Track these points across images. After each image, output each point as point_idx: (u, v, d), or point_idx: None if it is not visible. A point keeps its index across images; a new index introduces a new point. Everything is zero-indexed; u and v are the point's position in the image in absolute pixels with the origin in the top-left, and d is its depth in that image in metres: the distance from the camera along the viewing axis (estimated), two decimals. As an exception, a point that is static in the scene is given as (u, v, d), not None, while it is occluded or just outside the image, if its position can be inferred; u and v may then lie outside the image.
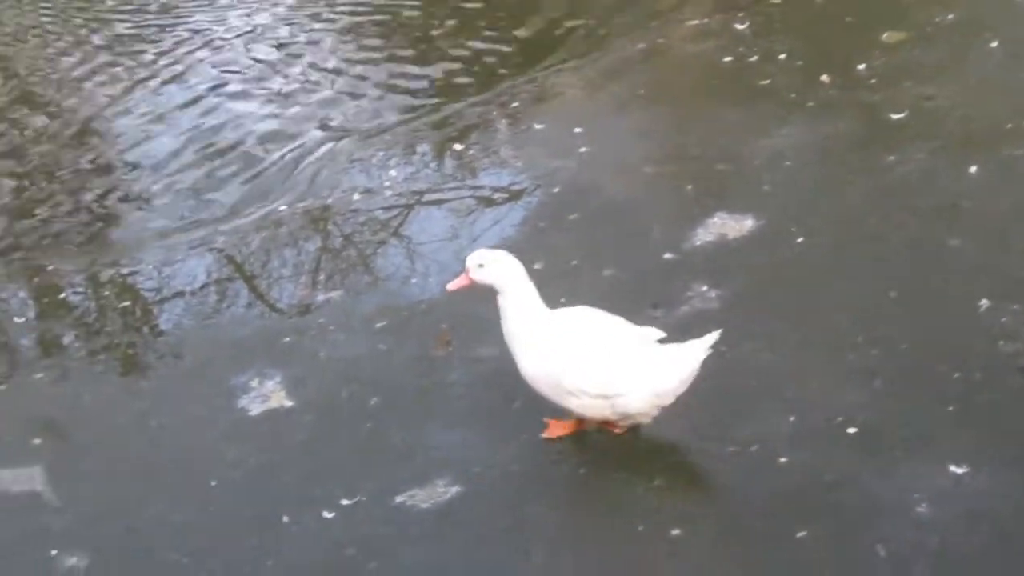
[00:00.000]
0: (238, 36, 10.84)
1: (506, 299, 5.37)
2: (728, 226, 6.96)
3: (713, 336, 5.13)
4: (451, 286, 5.53)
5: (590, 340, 5.28)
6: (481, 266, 5.38)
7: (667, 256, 6.80)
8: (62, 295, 7.48)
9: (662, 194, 7.46)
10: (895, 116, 7.82)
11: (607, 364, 5.20)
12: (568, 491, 5.31)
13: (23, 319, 7.28)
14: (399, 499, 5.39)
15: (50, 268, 7.71)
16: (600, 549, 5.00)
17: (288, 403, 6.09)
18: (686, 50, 9.47)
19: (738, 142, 7.84)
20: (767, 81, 8.60)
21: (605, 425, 5.47)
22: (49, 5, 11.69)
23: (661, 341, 5.27)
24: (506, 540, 5.10)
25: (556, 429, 5.58)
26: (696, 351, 5.13)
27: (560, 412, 5.49)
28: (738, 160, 7.65)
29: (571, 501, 5.27)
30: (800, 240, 6.75)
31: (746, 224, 6.96)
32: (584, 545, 5.03)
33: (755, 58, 8.97)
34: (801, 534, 4.91)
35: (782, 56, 8.90)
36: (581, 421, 5.51)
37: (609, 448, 5.46)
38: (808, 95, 8.28)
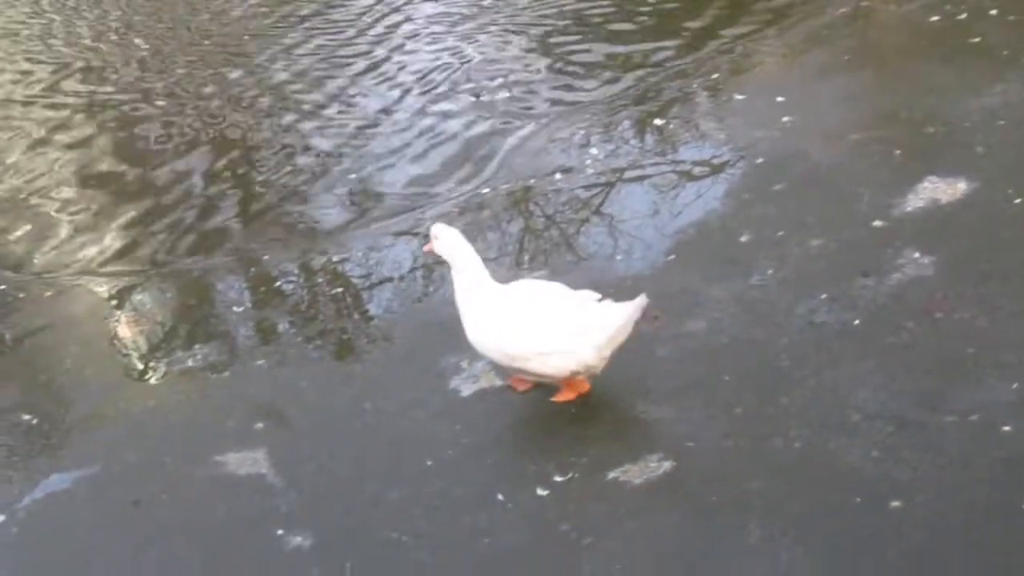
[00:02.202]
0: (441, 25, 11.02)
1: (455, 273, 5.84)
2: (940, 190, 6.76)
3: (641, 300, 5.44)
4: (425, 248, 6.03)
5: (524, 307, 5.66)
6: (436, 238, 5.84)
7: (877, 223, 6.63)
8: (277, 284, 7.71)
9: (870, 160, 7.28)
10: (1117, 68, 7.50)
11: (539, 327, 5.56)
12: (783, 464, 5.21)
13: (241, 308, 7.52)
14: (612, 475, 5.39)
15: (265, 259, 7.96)
16: (818, 523, 4.91)
17: (498, 383, 6.14)
18: (891, 11, 9.25)
19: (948, 103, 7.62)
20: (978, 39, 8.34)
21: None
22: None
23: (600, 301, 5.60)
24: (722, 516, 5.05)
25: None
26: (622, 312, 5.48)
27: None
28: (949, 122, 7.43)
29: (786, 474, 5.16)
30: (1017, 201, 6.51)
31: (959, 187, 6.75)
32: (802, 519, 4.93)
33: (964, 15, 8.70)
34: (1028, 504, 4.75)
35: (993, 12, 8.61)
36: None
37: (823, 420, 5.36)
38: (1022, 51, 7.98)
